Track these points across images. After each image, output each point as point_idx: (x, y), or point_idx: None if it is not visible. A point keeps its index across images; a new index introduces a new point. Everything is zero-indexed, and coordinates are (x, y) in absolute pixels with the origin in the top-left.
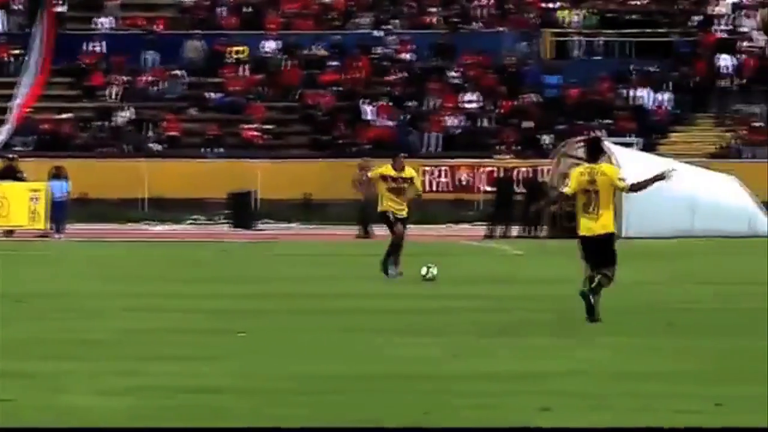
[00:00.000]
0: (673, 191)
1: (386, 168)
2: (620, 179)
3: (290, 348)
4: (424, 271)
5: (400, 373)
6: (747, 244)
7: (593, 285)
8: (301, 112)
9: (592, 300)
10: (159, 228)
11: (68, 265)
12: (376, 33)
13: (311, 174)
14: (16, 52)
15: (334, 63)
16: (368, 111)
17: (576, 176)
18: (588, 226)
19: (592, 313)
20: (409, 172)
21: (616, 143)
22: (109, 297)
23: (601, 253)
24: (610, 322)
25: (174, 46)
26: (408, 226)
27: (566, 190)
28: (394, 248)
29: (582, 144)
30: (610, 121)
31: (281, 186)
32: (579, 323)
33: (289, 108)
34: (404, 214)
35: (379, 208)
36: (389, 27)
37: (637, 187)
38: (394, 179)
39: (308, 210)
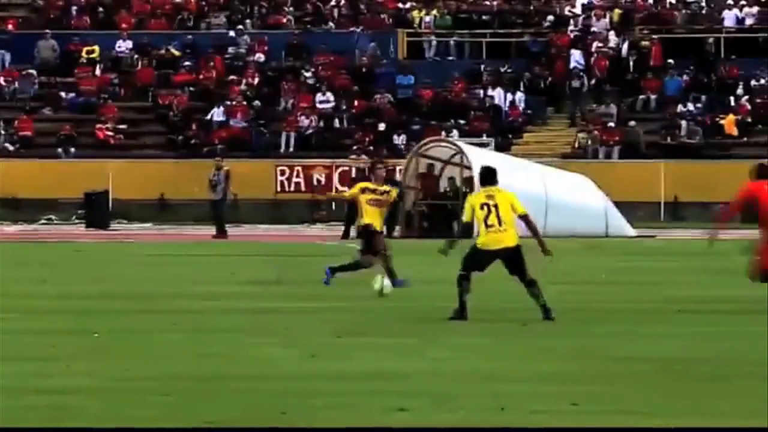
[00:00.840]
0: (526, 192)
1: (364, 183)
2: (518, 203)
3: (144, 348)
4: (378, 285)
5: (257, 373)
6: (600, 244)
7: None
8: (154, 112)
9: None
10: (12, 228)
11: None
12: (230, 33)
13: (165, 174)
14: None
15: (188, 63)
16: (221, 111)
17: (470, 200)
18: (497, 238)
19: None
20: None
21: (469, 143)
22: None
23: (513, 263)
24: (465, 323)
25: (26, 46)
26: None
27: (464, 218)
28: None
29: (437, 144)
30: (463, 122)
31: (135, 186)
32: (433, 323)
33: (143, 108)
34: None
35: (362, 222)
36: (241, 27)
37: (528, 225)
38: (372, 191)
39: (162, 210)
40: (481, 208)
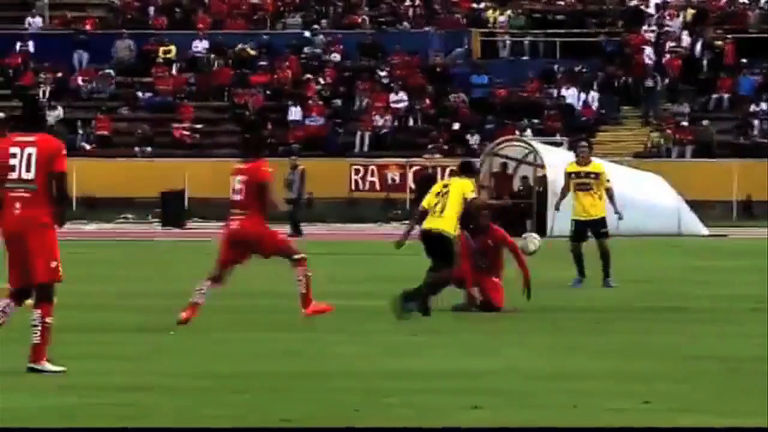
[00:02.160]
0: None
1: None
2: (471, 191)
3: (218, 347)
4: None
5: (331, 371)
6: (674, 243)
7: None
8: (230, 111)
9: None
10: (90, 227)
11: None
12: (305, 33)
13: None
14: None
15: (263, 63)
16: (297, 111)
17: (433, 188)
18: (429, 221)
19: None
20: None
21: (544, 143)
22: None
23: (434, 248)
24: (539, 321)
25: (104, 46)
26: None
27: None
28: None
29: (510, 143)
30: (537, 121)
31: (211, 185)
32: (503, 321)
33: (219, 108)
34: None
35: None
36: (317, 27)
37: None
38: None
39: None
40: (436, 195)
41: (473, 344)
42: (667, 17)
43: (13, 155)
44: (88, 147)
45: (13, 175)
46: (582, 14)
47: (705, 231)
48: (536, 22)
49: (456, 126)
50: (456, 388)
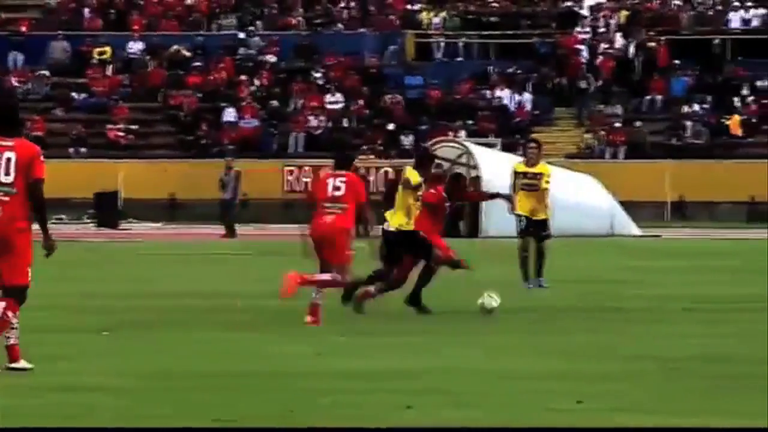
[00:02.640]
0: None
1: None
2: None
3: (156, 346)
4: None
5: (265, 371)
6: (608, 244)
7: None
8: (164, 112)
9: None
10: None
11: None
12: (239, 34)
13: (176, 174)
14: None
15: (198, 64)
16: (231, 112)
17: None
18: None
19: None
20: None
21: (478, 144)
22: None
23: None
24: (478, 321)
25: (39, 47)
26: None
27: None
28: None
29: (444, 144)
30: (471, 122)
31: (145, 186)
32: (439, 322)
33: (154, 109)
34: None
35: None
36: (252, 28)
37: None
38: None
39: (172, 210)
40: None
41: (412, 344)
42: (601, 19)
43: None
44: None
45: None
46: (516, 16)
47: (638, 231)
48: (470, 23)
49: (390, 127)
50: (391, 388)
